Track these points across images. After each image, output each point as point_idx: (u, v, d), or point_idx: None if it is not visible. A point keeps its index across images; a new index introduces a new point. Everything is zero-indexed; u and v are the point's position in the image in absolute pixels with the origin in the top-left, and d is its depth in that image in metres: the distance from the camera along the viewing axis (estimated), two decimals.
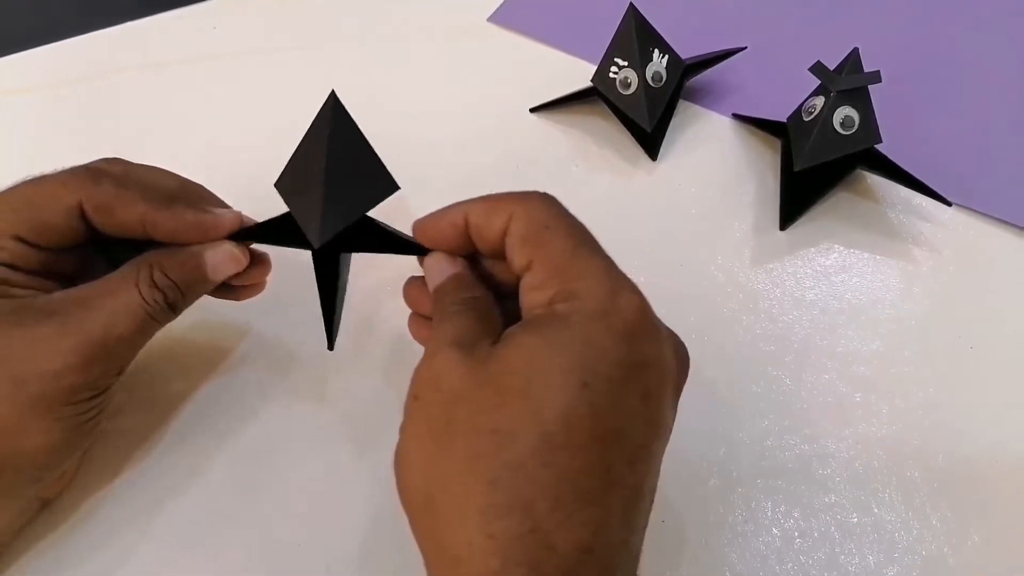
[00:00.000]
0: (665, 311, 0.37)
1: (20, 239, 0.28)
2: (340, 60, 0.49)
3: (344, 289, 0.33)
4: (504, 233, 0.26)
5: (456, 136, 0.45)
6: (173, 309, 0.30)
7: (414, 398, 0.25)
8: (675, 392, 0.26)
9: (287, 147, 0.37)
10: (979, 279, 0.38)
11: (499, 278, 0.29)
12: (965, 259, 0.39)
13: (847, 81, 0.38)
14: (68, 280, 0.30)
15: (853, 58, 0.39)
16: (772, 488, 0.33)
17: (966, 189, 0.41)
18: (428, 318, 0.29)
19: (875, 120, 0.38)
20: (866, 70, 0.38)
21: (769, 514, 0.32)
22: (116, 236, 0.29)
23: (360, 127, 0.31)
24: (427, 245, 0.29)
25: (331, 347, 0.32)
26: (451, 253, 0.28)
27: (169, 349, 0.37)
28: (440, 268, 0.28)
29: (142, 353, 0.30)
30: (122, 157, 0.31)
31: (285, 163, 0.31)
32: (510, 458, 0.22)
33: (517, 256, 0.26)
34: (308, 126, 0.30)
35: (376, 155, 0.31)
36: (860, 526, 0.32)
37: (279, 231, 0.31)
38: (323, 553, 0.31)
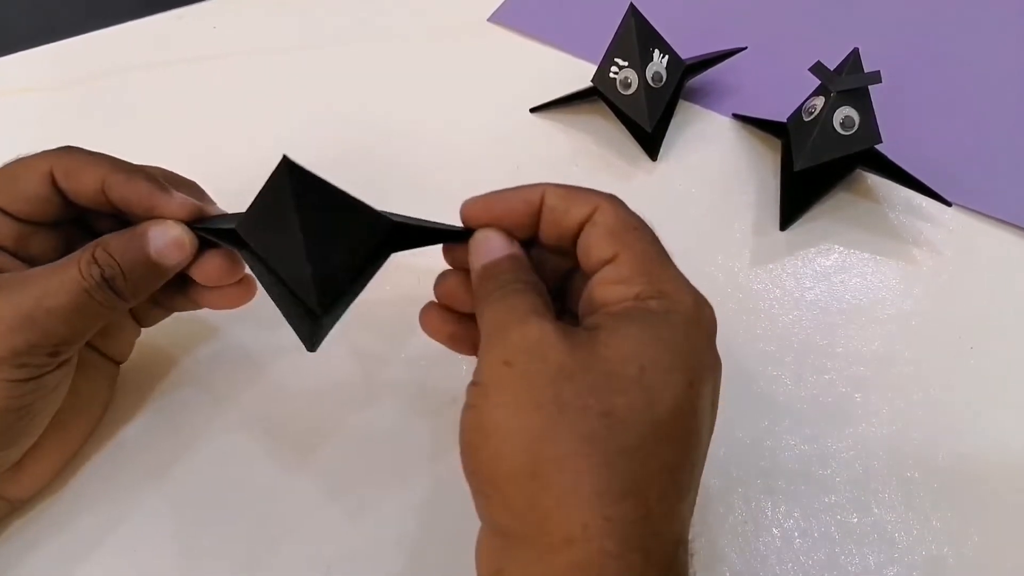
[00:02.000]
0: None
1: (1, 210, 0.29)
2: (340, 60, 0.49)
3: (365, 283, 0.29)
4: (582, 223, 0.27)
5: (456, 135, 0.45)
6: (113, 288, 0.28)
7: (504, 364, 0.24)
8: (717, 403, 0.27)
9: (286, 147, 0.38)
10: (979, 279, 0.38)
11: (546, 268, 0.29)
12: (965, 259, 0.39)
13: (847, 81, 0.38)
14: (35, 259, 0.30)
15: (853, 58, 0.39)
16: (772, 488, 0.33)
17: (966, 189, 0.41)
18: (454, 312, 0.30)
19: (875, 120, 0.38)
20: (866, 70, 0.38)
21: (769, 514, 0.32)
22: (84, 206, 0.30)
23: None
24: (484, 220, 0.28)
25: (313, 349, 0.27)
26: (508, 232, 0.28)
27: (159, 340, 0.37)
28: (496, 246, 0.27)
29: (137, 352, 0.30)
30: (121, 157, 0.31)
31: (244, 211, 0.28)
32: (624, 444, 0.22)
33: (601, 247, 0.26)
34: (257, 195, 0.27)
35: (355, 201, 0.26)
36: (860, 526, 0.32)
37: (231, 239, 0.29)
38: (324, 553, 0.31)
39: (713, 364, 0.25)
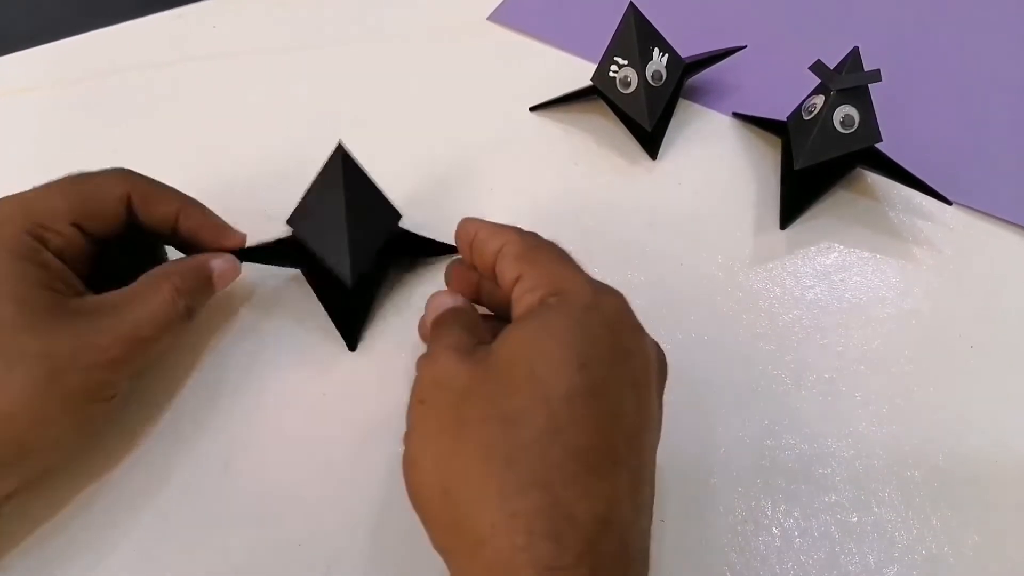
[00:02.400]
0: (665, 311, 0.37)
1: (76, 225, 0.30)
2: (340, 59, 0.49)
3: (375, 294, 0.37)
4: (497, 254, 0.29)
5: (455, 134, 0.45)
6: (189, 315, 0.32)
7: (419, 403, 0.26)
8: (659, 388, 0.27)
9: (286, 146, 0.38)
10: (979, 278, 0.38)
11: (492, 299, 0.32)
12: (965, 258, 0.39)
13: (847, 80, 0.38)
14: (83, 276, 0.31)
15: (853, 57, 0.39)
16: (772, 488, 0.33)
17: (966, 188, 0.41)
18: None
19: (875, 119, 0.38)
20: (866, 69, 0.38)
21: (769, 514, 0.32)
22: (150, 228, 0.33)
23: (363, 158, 0.34)
24: (462, 247, 0.32)
25: (353, 347, 0.36)
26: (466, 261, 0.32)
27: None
28: (441, 303, 0.31)
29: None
30: (122, 156, 0.34)
31: (296, 205, 0.35)
32: (522, 439, 0.23)
33: (509, 269, 0.28)
34: (318, 171, 0.34)
35: (380, 192, 0.35)
36: (860, 526, 0.32)
37: (278, 254, 0.36)
38: (324, 553, 0.31)
39: (621, 345, 0.25)
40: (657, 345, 0.28)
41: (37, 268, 0.28)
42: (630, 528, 0.23)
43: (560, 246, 0.29)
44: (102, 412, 0.30)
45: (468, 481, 0.23)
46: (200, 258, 0.34)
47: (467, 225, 0.32)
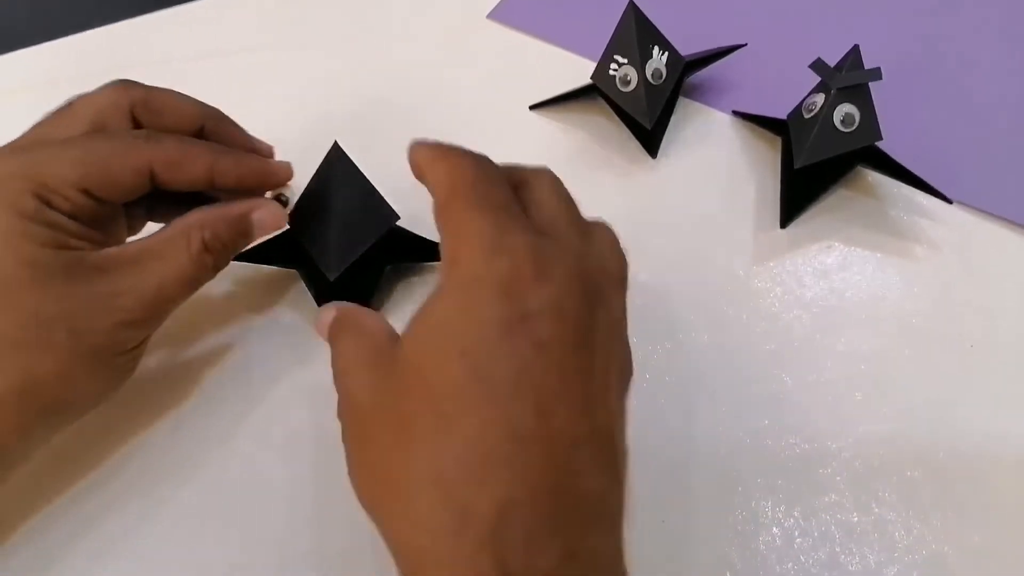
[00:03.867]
0: (665, 310, 0.37)
1: (86, 192, 0.29)
2: (339, 59, 0.49)
3: (370, 297, 0.37)
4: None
5: (455, 133, 0.44)
6: (216, 269, 0.31)
7: (339, 419, 0.26)
8: (587, 330, 0.24)
9: (287, 146, 0.38)
10: (980, 277, 0.38)
11: None
12: (966, 257, 0.39)
13: (847, 78, 0.38)
14: (102, 228, 0.31)
15: (853, 55, 0.39)
16: (772, 488, 0.32)
17: (967, 187, 0.41)
18: None
19: (875, 117, 0.38)
20: (867, 67, 0.38)
21: (769, 514, 0.32)
22: (179, 191, 0.31)
23: (344, 148, 0.34)
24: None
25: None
26: None
27: (171, 337, 0.37)
28: (326, 315, 0.29)
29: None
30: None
31: (294, 204, 0.35)
32: (416, 443, 0.23)
33: (438, 227, 0.26)
34: (315, 169, 0.35)
35: (377, 192, 0.35)
36: (860, 526, 0.32)
37: (276, 253, 0.36)
38: (324, 552, 0.31)
39: (515, 310, 0.23)
40: (588, 266, 0.25)
41: (46, 229, 0.28)
42: (555, 498, 0.22)
43: (490, 169, 0.26)
44: (129, 362, 0.30)
45: (376, 492, 0.24)
46: (238, 208, 0.31)
47: (411, 155, 0.28)
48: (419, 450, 0.23)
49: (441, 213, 0.25)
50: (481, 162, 0.27)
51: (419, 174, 0.28)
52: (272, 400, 0.35)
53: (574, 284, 0.24)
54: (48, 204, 0.28)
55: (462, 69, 0.48)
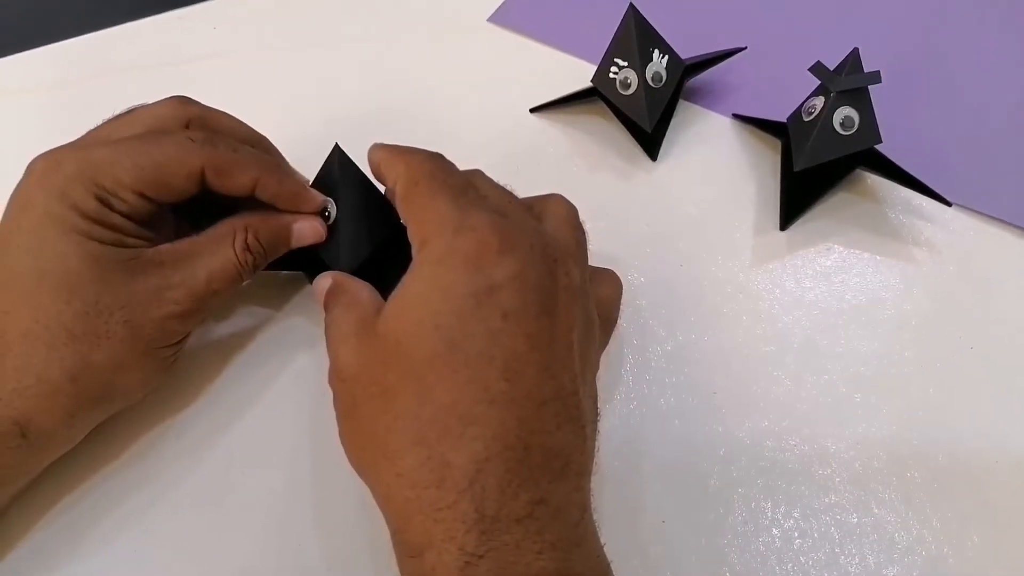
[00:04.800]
0: (665, 312, 0.37)
1: (142, 195, 0.30)
2: (340, 60, 0.49)
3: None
4: (392, 190, 0.30)
5: (456, 136, 0.45)
6: (254, 270, 0.33)
7: (332, 389, 0.28)
8: (548, 297, 0.26)
9: (287, 147, 0.38)
10: (979, 279, 0.38)
11: None
12: (965, 259, 0.39)
13: (847, 81, 0.38)
14: (154, 227, 0.32)
15: (853, 58, 0.39)
16: (772, 488, 0.33)
17: (966, 189, 0.41)
18: None
19: (875, 120, 0.38)
20: (866, 70, 0.38)
21: (769, 514, 0.32)
22: (225, 195, 0.32)
23: (345, 149, 0.34)
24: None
25: None
26: None
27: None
28: (323, 282, 0.31)
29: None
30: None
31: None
32: (399, 408, 0.25)
33: (402, 215, 0.29)
34: (316, 170, 0.35)
35: (379, 191, 0.35)
36: (860, 526, 0.32)
37: (281, 258, 0.35)
38: (324, 552, 0.31)
39: (482, 283, 0.25)
40: (548, 239, 0.28)
41: (107, 229, 0.29)
42: (528, 453, 0.25)
43: (445, 162, 0.30)
44: (173, 354, 0.32)
45: (365, 454, 0.27)
46: (283, 218, 0.33)
47: (371, 156, 0.32)
48: (402, 415, 0.25)
49: (404, 203, 0.29)
50: (435, 156, 0.30)
51: (378, 173, 0.32)
52: (279, 402, 0.35)
53: (535, 255, 0.26)
54: (109, 206, 0.29)
55: (463, 72, 0.48)
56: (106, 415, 0.31)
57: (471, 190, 0.29)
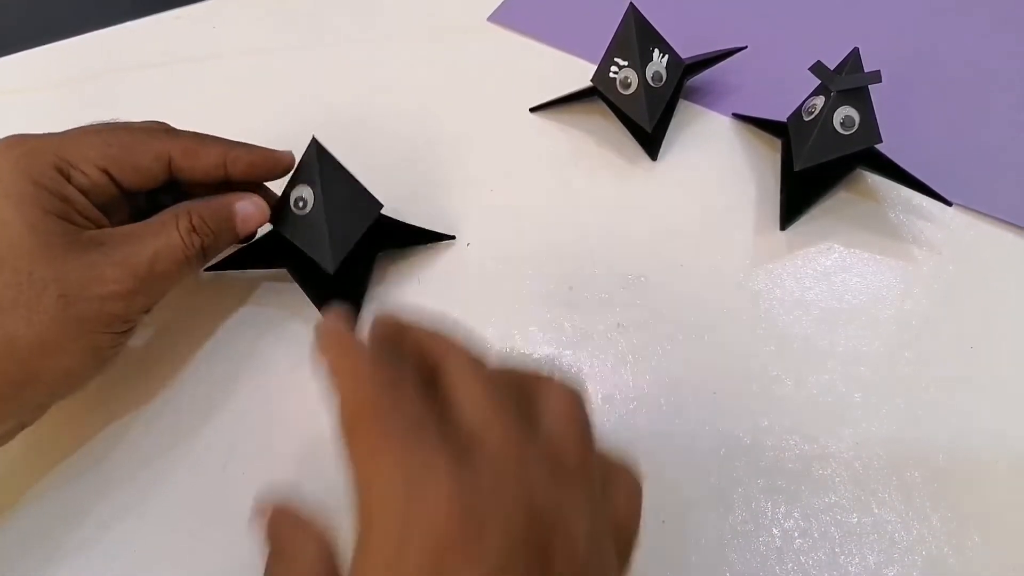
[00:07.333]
0: (665, 312, 0.37)
1: (106, 172, 0.30)
2: (339, 60, 0.49)
3: (365, 286, 0.37)
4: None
5: (456, 135, 0.45)
6: (204, 255, 0.32)
7: None
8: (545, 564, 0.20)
9: (287, 145, 0.38)
10: (979, 279, 0.38)
11: None
12: (965, 259, 0.39)
13: (847, 81, 0.38)
14: (111, 217, 0.32)
15: (853, 58, 0.39)
16: (772, 488, 0.33)
17: (967, 189, 0.41)
18: None
19: (875, 120, 0.38)
20: (866, 70, 0.38)
21: (769, 514, 0.32)
22: (194, 181, 0.33)
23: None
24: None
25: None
26: None
27: (161, 336, 0.37)
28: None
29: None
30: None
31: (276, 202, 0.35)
32: None
33: (345, 450, 0.22)
34: (295, 167, 0.35)
35: (359, 183, 0.35)
36: (860, 526, 0.32)
37: (263, 254, 0.36)
38: None
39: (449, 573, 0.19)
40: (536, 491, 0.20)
41: (57, 199, 0.29)
42: None
43: (395, 394, 0.22)
44: (112, 344, 0.30)
45: None
46: (224, 198, 0.33)
47: (316, 345, 0.24)
48: None
49: (346, 437, 0.22)
50: (386, 379, 0.22)
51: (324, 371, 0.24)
52: (260, 396, 0.35)
53: (513, 539, 0.19)
54: (68, 178, 0.29)
55: (462, 71, 0.48)
56: (26, 410, 0.29)
57: (429, 423, 0.21)
